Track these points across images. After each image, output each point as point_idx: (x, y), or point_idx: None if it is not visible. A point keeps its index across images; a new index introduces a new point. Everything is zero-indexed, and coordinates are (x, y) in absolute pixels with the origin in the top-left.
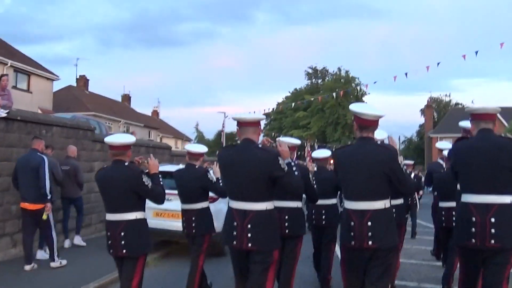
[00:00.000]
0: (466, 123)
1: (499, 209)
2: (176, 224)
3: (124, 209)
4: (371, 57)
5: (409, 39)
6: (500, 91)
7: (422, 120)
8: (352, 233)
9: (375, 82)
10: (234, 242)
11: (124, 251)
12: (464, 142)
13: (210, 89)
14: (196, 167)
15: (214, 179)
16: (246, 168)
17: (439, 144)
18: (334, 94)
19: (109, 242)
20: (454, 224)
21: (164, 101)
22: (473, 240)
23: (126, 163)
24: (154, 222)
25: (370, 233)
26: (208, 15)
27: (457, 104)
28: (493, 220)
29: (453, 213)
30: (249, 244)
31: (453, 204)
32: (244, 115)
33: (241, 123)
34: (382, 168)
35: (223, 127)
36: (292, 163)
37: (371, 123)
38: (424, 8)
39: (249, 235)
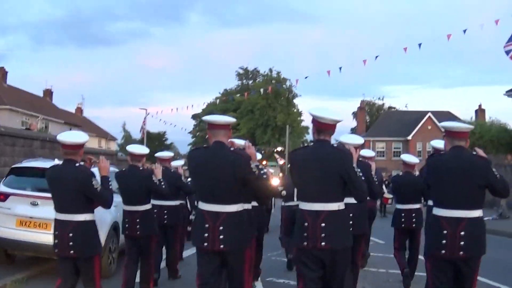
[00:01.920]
0: (437, 143)
1: (469, 223)
2: (46, 237)
3: (73, 210)
4: (304, 61)
5: (342, 44)
6: (432, 97)
7: (354, 124)
8: (305, 234)
9: (306, 77)
10: (205, 244)
11: (72, 251)
12: (438, 157)
13: (141, 89)
14: (140, 168)
15: (157, 181)
16: (219, 170)
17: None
18: (263, 93)
19: (56, 241)
20: (414, 225)
21: (93, 100)
22: (443, 251)
23: (77, 164)
24: (17, 233)
25: (323, 234)
26: (141, 15)
27: (390, 107)
28: (462, 233)
29: (413, 215)
30: (221, 246)
31: (412, 206)
32: (216, 118)
33: (213, 126)
34: (338, 169)
35: (144, 124)
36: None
37: (329, 127)
38: (357, 13)
39: (221, 236)
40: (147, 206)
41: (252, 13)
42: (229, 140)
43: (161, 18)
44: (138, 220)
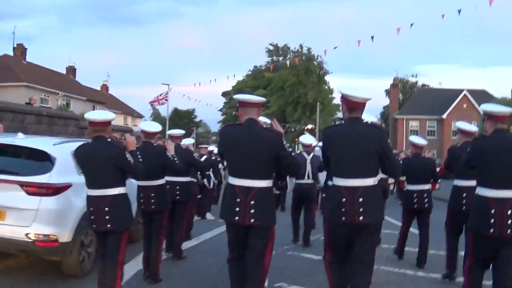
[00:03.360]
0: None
1: None
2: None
3: (108, 185)
4: (335, 39)
5: (373, 22)
6: (465, 76)
7: (385, 102)
8: (343, 209)
9: (335, 47)
10: (237, 218)
11: (109, 225)
12: (483, 141)
13: (170, 69)
14: (154, 144)
15: (171, 157)
16: (253, 147)
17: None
18: (293, 69)
19: (92, 217)
20: (426, 205)
21: (122, 80)
22: (492, 230)
23: (109, 139)
24: None
25: (361, 209)
26: None
27: (423, 85)
28: (509, 212)
29: (425, 195)
30: (252, 220)
31: (423, 187)
32: (248, 96)
33: (245, 104)
34: (374, 146)
35: (167, 100)
36: None
37: (359, 105)
38: None
39: (252, 211)
40: (162, 181)
41: None
42: (273, 120)
43: None
44: (152, 195)
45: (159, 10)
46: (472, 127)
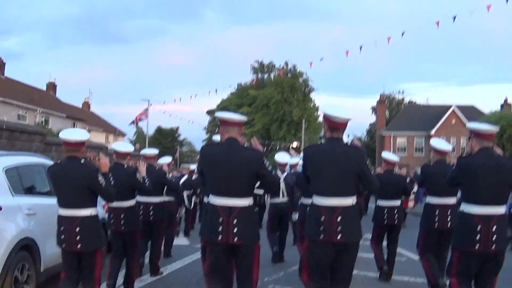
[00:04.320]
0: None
1: (498, 219)
2: None
3: (79, 205)
4: (320, 58)
5: (360, 41)
6: (450, 94)
7: (372, 120)
8: (321, 227)
9: (321, 59)
10: (220, 237)
11: (79, 246)
12: (470, 159)
13: (156, 87)
14: (125, 166)
15: (140, 179)
16: (234, 166)
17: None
18: (278, 87)
19: (62, 236)
20: (396, 222)
21: (106, 98)
22: (477, 246)
23: (82, 161)
24: None
25: (339, 228)
26: (157, 11)
27: (410, 102)
28: (494, 228)
29: (395, 211)
30: (236, 239)
31: (394, 203)
32: (229, 115)
33: (226, 123)
34: (354, 166)
35: (146, 116)
36: None
37: (340, 126)
38: (374, 11)
39: (235, 230)
40: (131, 202)
41: (266, 10)
42: (252, 139)
43: (178, 15)
44: (122, 216)
45: (145, 28)
46: (446, 146)
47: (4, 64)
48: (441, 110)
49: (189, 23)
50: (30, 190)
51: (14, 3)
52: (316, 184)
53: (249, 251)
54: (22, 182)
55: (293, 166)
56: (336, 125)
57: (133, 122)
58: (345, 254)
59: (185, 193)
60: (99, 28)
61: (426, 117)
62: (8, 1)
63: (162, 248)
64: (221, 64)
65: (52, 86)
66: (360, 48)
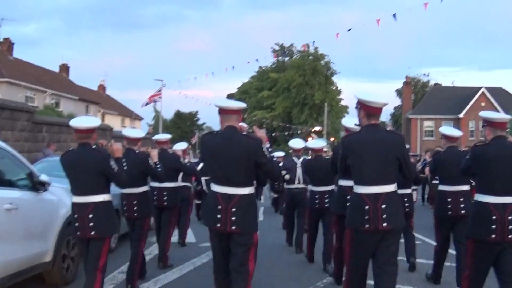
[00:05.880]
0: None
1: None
2: None
3: (92, 192)
4: (339, 43)
5: (378, 27)
6: (471, 80)
7: (395, 104)
8: (366, 217)
9: (349, 30)
10: (218, 225)
11: (93, 232)
12: (484, 147)
13: (174, 72)
14: (136, 151)
15: (153, 164)
16: (232, 154)
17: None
18: (300, 69)
19: (76, 224)
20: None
21: (126, 83)
22: (493, 236)
23: (94, 146)
24: None
25: (384, 215)
26: None
27: (436, 84)
28: (510, 217)
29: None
30: (233, 227)
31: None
32: (229, 103)
33: (225, 111)
34: (395, 152)
35: (160, 97)
36: None
37: (378, 111)
38: None
39: (233, 218)
40: (144, 189)
41: None
42: (239, 124)
43: (195, 1)
44: (135, 202)
45: (163, 14)
46: (456, 132)
47: (13, 44)
48: (470, 92)
49: (206, 10)
50: None
51: None
52: (358, 174)
53: (245, 240)
54: None
55: (318, 151)
56: (374, 111)
57: (146, 103)
58: (389, 242)
59: (203, 179)
60: (117, 15)
61: (454, 99)
62: None
63: (177, 236)
64: (239, 50)
65: (65, 68)
66: (394, 16)
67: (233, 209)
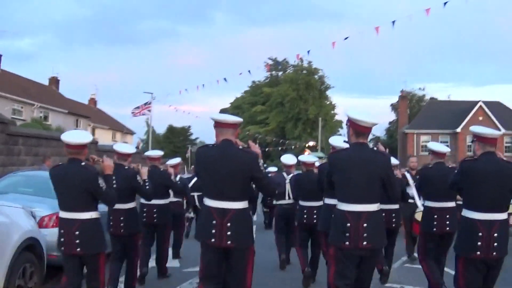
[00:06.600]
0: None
1: (500, 225)
2: None
3: (79, 208)
4: (332, 59)
5: (372, 41)
6: (465, 94)
7: (390, 118)
8: (347, 234)
9: (346, 38)
10: (213, 240)
11: (79, 249)
12: (472, 163)
13: (167, 87)
14: (125, 167)
15: (141, 182)
16: (228, 168)
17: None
18: (293, 84)
19: (62, 239)
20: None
21: (119, 98)
22: (478, 252)
23: (83, 163)
24: None
25: (365, 234)
26: (168, 13)
27: (432, 98)
28: (495, 235)
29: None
30: (229, 242)
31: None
32: (225, 117)
33: (221, 124)
34: (380, 172)
35: (149, 110)
36: None
37: (367, 130)
38: (380, 10)
39: (229, 233)
40: (131, 205)
41: (277, 11)
42: (249, 141)
43: (188, 17)
44: (122, 218)
45: (156, 30)
46: (444, 148)
47: (1, 56)
48: (467, 106)
49: (199, 25)
50: None
51: (27, 5)
52: (342, 191)
53: (242, 254)
54: None
55: (309, 165)
56: (363, 129)
57: (132, 113)
58: (368, 260)
59: (195, 194)
60: (110, 30)
61: (450, 114)
62: (22, 4)
63: (170, 250)
64: (233, 65)
65: (54, 81)
66: (393, 23)
67: (228, 224)
